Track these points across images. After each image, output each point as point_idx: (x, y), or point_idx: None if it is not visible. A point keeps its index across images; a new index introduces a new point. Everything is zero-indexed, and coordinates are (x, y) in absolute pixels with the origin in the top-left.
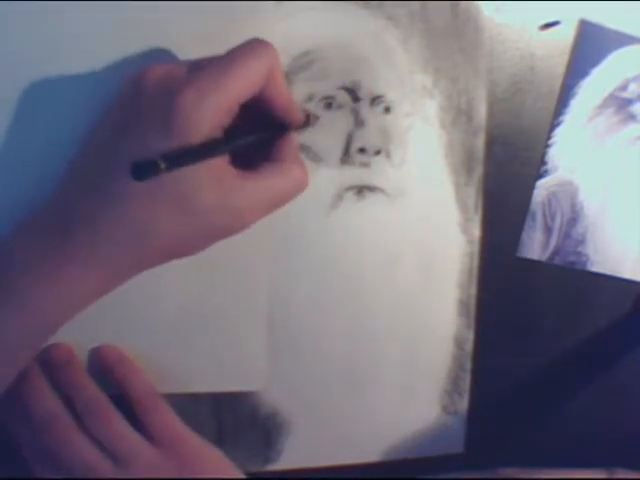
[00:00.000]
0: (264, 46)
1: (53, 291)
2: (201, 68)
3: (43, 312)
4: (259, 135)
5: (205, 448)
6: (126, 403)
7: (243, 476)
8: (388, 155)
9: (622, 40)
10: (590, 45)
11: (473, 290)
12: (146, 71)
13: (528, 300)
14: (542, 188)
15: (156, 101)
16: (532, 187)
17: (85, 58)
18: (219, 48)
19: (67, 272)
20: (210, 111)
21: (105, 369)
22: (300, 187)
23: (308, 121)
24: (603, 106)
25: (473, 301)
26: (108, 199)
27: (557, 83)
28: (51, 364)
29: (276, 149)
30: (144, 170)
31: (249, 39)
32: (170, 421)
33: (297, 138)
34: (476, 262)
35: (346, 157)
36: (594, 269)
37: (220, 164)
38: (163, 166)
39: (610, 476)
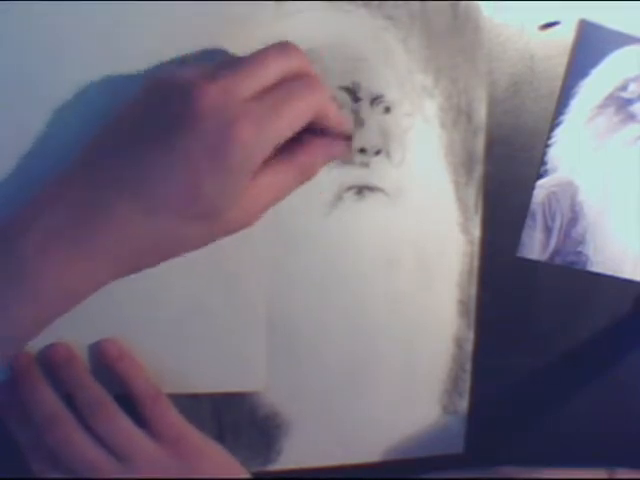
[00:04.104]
0: (315, 80)
1: (65, 275)
2: (259, 100)
3: (53, 298)
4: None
5: (207, 444)
6: (128, 401)
7: (246, 472)
8: (388, 155)
9: (622, 40)
10: (590, 45)
11: (473, 290)
12: (201, 91)
13: (528, 300)
14: (542, 188)
15: (210, 130)
16: (532, 187)
17: (85, 59)
18: (219, 48)
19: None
20: (264, 149)
21: (106, 365)
22: (305, 177)
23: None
24: (603, 106)
25: (473, 301)
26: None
27: (557, 83)
28: (51, 363)
29: (297, 146)
30: None
31: (302, 74)
32: (172, 417)
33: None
34: (476, 262)
35: (346, 157)
36: (594, 269)
37: None
38: None
39: (611, 476)
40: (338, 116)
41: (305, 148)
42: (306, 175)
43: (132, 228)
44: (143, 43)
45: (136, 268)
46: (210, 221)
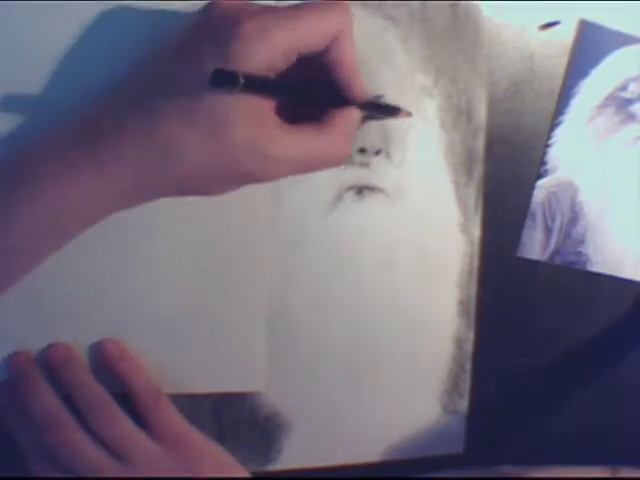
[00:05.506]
0: (340, 5)
1: (69, 192)
2: (271, 8)
3: (54, 215)
4: (317, 97)
5: (207, 444)
6: (128, 401)
7: (246, 472)
8: (388, 155)
9: (622, 40)
10: (590, 45)
11: (473, 290)
12: (215, 1)
13: (528, 300)
14: (542, 188)
15: (219, 28)
16: (532, 187)
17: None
18: None
19: (85, 178)
20: (266, 47)
21: (106, 365)
22: (335, 159)
23: (394, 112)
24: (603, 106)
25: (473, 301)
26: (143, 113)
27: (557, 83)
28: (51, 363)
29: (329, 116)
30: (223, 79)
31: None
32: (172, 417)
33: (359, 115)
34: (476, 262)
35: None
36: (594, 269)
37: (265, 107)
38: (242, 81)
39: (614, 475)
40: (353, 65)
41: (329, 118)
42: (333, 143)
43: (138, 149)
44: (140, 43)
45: (136, 197)
46: (211, 134)
